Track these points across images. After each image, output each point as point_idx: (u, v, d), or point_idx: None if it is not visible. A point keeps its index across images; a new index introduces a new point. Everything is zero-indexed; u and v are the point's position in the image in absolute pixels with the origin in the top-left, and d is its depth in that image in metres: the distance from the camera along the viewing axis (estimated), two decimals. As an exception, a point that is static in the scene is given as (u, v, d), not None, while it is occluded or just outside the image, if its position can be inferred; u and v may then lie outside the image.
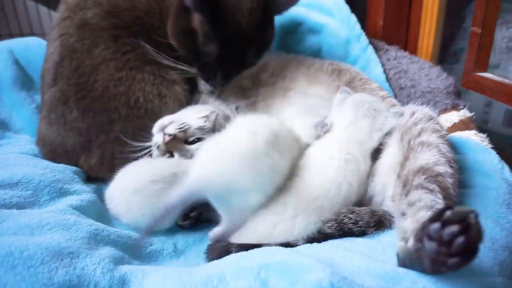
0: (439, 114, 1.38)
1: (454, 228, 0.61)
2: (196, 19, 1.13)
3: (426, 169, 0.84)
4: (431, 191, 0.80)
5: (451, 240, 0.61)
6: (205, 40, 1.14)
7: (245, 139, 0.88)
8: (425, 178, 0.82)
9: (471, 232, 0.61)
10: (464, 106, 1.37)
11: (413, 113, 1.02)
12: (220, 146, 0.88)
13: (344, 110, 1.09)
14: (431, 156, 0.86)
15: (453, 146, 1.01)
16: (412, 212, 0.78)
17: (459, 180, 0.90)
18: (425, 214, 0.75)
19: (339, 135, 1.05)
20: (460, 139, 1.19)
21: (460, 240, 0.60)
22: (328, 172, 0.97)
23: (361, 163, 1.00)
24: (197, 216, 1.03)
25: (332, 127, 1.08)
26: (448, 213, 0.63)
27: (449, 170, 0.85)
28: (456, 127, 1.30)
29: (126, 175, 1.10)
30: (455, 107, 1.38)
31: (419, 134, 0.93)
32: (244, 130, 0.92)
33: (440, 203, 0.78)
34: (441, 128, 0.98)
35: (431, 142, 0.90)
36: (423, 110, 1.03)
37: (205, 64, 1.20)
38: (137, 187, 1.04)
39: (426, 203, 0.78)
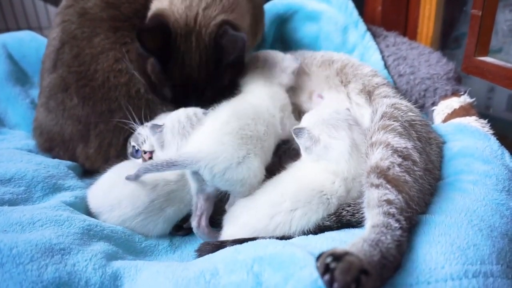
0: (439, 101, 1.36)
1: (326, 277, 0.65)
2: (150, 65, 1.17)
3: (375, 167, 0.86)
4: (378, 186, 0.82)
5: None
6: (158, 83, 1.19)
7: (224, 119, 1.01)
8: (374, 176, 0.84)
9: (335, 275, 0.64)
10: (465, 92, 1.34)
11: (375, 115, 1.03)
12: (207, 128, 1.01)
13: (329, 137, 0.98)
14: (377, 154, 0.88)
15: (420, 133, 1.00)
16: (369, 214, 0.80)
17: (417, 162, 0.89)
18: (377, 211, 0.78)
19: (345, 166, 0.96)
20: (459, 125, 1.17)
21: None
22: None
23: None
24: (190, 227, 1.04)
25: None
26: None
27: (398, 160, 0.86)
28: (456, 113, 1.27)
29: (110, 174, 1.09)
30: (455, 93, 1.35)
31: (371, 137, 0.95)
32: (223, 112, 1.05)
33: (389, 194, 0.80)
34: (396, 120, 0.96)
35: (379, 141, 0.92)
36: (381, 109, 1.03)
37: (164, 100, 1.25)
38: (123, 184, 1.02)
39: (375, 200, 0.81)
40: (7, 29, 2.80)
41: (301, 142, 1.00)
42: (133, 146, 1.17)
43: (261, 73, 1.24)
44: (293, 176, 0.99)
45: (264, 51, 1.35)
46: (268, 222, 0.92)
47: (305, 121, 1.05)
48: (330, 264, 0.65)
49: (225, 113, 1.04)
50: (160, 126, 1.07)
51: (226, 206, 1.01)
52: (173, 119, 1.07)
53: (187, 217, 1.06)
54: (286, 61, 1.26)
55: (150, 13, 1.23)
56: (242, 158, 0.96)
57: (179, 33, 1.14)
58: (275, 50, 1.35)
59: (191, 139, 1.02)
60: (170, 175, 1.02)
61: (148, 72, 1.18)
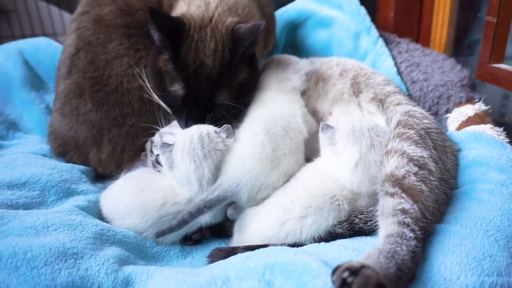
0: (453, 108, 1.34)
1: None
2: (162, 59, 1.13)
3: (390, 176, 0.85)
4: (393, 194, 0.82)
5: None
6: (170, 79, 1.12)
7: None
8: (389, 184, 0.84)
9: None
10: (480, 99, 1.32)
11: (390, 123, 1.03)
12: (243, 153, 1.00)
13: (342, 146, 0.98)
14: (392, 162, 0.88)
15: (436, 141, 1.00)
16: (384, 223, 0.79)
17: (433, 171, 0.89)
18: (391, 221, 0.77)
19: (347, 179, 0.97)
20: (474, 133, 1.15)
21: None
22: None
23: None
24: (198, 238, 1.06)
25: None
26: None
27: (414, 169, 0.85)
28: (471, 121, 1.25)
29: (122, 182, 1.10)
30: (470, 101, 1.33)
31: (386, 145, 0.94)
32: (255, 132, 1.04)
33: (404, 203, 0.79)
34: (412, 128, 0.96)
35: (394, 149, 0.91)
36: (395, 117, 1.02)
37: (175, 107, 1.16)
38: (134, 194, 1.03)
39: (390, 209, 0.80)
40: (23, 36, 2.86)
41: (322, 137, 1.03)
42: (157, 155, 1.13)
43: (275, 76, 1.23)
44: (302, 181, 1.00)
45: (277, 55, 1.35)
46: (279, 229, 0.91)
47: (340, 123, 1.05)
48: (347, 279, 0.64)
49: (259, 135, 1.02)
50: (170, 145, 1.03)
51: (228, 213, 1.02)
52: (185, 139, 1.01)
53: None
54: (300, 63, 1.26)
55: None
56: (276, 181, 0.99)
57: (194, 25, 1.12)
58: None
59: (227, 165, 1.00)
60: (179, 196, 1.01)
61: (160, 68, 1.13)
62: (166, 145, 1.03)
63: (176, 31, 1.10)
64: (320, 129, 1.04)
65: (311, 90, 1.28)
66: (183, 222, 0.92)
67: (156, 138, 1.17)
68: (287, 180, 1.02)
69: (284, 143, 1.02)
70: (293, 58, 1.29)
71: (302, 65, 1.25)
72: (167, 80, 1.12)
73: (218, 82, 1.11)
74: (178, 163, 0.99)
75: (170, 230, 0.93)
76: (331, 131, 1.02)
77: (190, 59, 1.10)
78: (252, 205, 0.99)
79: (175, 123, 1.22)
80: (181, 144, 1.00)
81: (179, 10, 1.23)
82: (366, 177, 0.94)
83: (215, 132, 1.03)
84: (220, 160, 1.00)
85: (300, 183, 0.99)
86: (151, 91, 1.20)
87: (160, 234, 0.93)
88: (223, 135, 1.03)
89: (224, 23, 1.14)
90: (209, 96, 1.11)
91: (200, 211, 0.93)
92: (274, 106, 1.13)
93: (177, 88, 1.11)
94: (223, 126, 1.04)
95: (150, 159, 1.16)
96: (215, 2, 1.18)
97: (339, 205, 0.93)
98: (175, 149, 1.01)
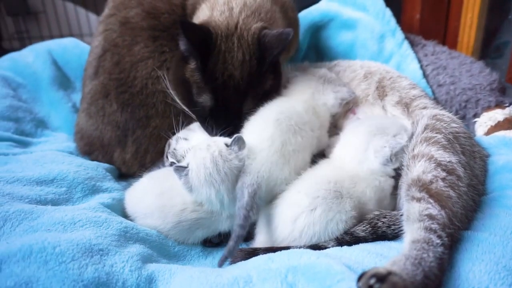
0: (481, 112, 1.31)
1: None
2: (189, 69, 1.13)
3: (417, 180, 0.84)
4: (420, 199, 0.81)
5: None
6: (197, 90, 1.12)
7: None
8: (416, 189, 0.83)
9: None
10: (510, 104, 1.28)
11: (417, 126, 1.01)
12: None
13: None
14: (419, 167, 0.87)
15: (464, 146, 0.98)
16: (409, 228, 0.79)
17: (462, 177, 0.87)
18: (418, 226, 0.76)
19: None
20: (504, 138, 1.12)
21: None
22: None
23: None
24: (218, 242, 1.06)
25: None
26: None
27: (442, 174, 0.84)
28: (501, 125, 1.22)
29: (146, 181, 1.10)
30: (499, 105, 1.29)
31: (413, 149, 0.93)
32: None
33: (431, 209, 0.78)
34: (440, 133, 0.94)
35: (421, 153, 0.90)
36: (422, 120, 1.00)
37: (202, 117, 1.16)
38: (155, 195, 1.03)
39: (416, 214, 0.79)
40: (51, 36, 2.95)
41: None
42: (172, 163, 1.14)
43: (314, 84, 1.20)
44: (308, 173, 1.01)
45: (324, 70, 1.31)
46: (292, 227, 0.91)
47: (363, 118, 1.09)
48: (374, 286, 0.63)
49: (269, 127, 1.02)
50: (184, 168, 0.97)
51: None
52: (198, 164, 0.95)
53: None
54: (341, 87, 1.22)
55: None
56: (288, 176, 0.99)
57: (220, 34, 1.12)
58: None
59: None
60: (198, 205, 1.00)
61: (186, 78, 1.14)
62: (181, 169, 0.98)
63: (204, 41, 1.10)
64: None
65: None
66: (239, 238, 0.89)
67: (172, 143, 1.18)
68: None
69: (296, 139, 1.02)
70: (338, 80, 1.27)
71: (343, 89, 1.21)
72: (195, 91, 1.13)
73: (246, 92, 1.11)
74: (197, 188, 0.96)
75: (230, 252, 0.89)
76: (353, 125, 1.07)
77: (218, 71, 1.10)
78: (269, 200, 0.98)
79: (191, 126, 1.23)
80: (195, 169, 0.95)
81: (201, 14, 1.23)
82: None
83: (226, 145, 0.97)
84: (238, 175, 0.96)
85: (305, 175, 1.00)
86: (174, 96, 1.21)
87: (222, 260, 0.89)
88: (235, 148, 0.97)
89: (249, 31, 1.13)
90: (237, 106, 1.12)
91: (246, 218, 0.90)
92: (295, 103, 1.11)
93: (205, 99, 1.11)
94: (233, 137, 0.98)
95: (166, 164, 1.18)
96: (238, 7, 1.18)
97: (340, 192, 0.93)
98: (190, 174, 0.96)
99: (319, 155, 1.12)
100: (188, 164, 0.97)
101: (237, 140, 0.97)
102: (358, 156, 0.99)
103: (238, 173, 0.95)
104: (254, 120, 1.07)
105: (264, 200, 0.98)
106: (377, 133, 1.00)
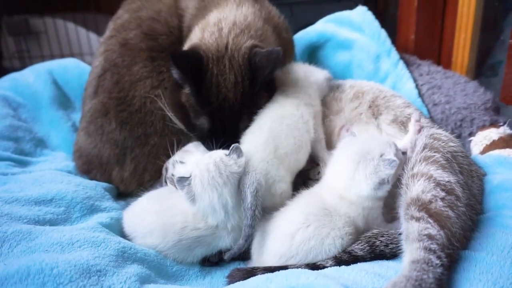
0: (477, 131, 1.32)
1: None
2: (184, 94, 1.16)
3: (416, 200, 0.85)
4: (419, 219, 0.81)
5: None
6: (194, 113, 1.15)
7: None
8: (415, 208, 0.83)
9: None
10: (504, 123, 1.30)
11: (415, 146, 1.02)
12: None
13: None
14: (418, 186, 0.87)
15: (461, 166, 0.99)
16: (408, 248, 0.79)
17: (460, 197, 0.88)
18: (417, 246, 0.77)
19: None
20: (499, 157, 1.13)
21: None
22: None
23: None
24: (216, 261, 1.06)
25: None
26: None
27: (441, 194, 0.84)
28: (495, 145, 1.23)
29: (145, 201, 1.11)
30: (494, 124, 1.31)
31: (412, 168, 0.93)
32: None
33: (431, 229, 0.78)
34: (438, 152, 0.95)
35: (421, 172, 0.91)
36: (421, 139, 1.01)
37: (201, 137, 1.19)
38: (155, 214, 1.04)
39: (415, 233, 0.80)
40: (52, 55, 2.99)
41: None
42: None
43: (295, 82, 1.24)
44: (303, 194, 1.03)
45: (294, 64, 1.36)
46: (290, 243, 0.92)
47: (360, 136, 1.09)
48: None
49: (263, 134, 1.07)
50: (187, 178, 1.00)
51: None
52: (201, 169, 0.98)
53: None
54: (318, 70, 1.30)
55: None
56: (285, 176, 1.04)
57: (211, 57, 1.14)
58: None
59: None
60: (199, 222, 1.00)
61: (183, 103, 1.16)
62: (183, 179, 1.00)
63: (196, 67, 1.12)
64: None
65: (328, 103, 1.30)
66: (249, 237, 0.94)
67: (170, 168, 1.18)
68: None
69: (288, 142, 1.07)
70: (310, 67, 1.34)
71: (320, 72, 1.30)
72: (192, 115, 1.16)
73: (241, 112, 1.14)
74: (200, 195, 0.97)
75: (239, 249, 0.95)
76: (349, 137, 1.06)
77: (213, 95, 1.12)
78: (269, 205, 1.01)
79: (187, 147, 1.24)
80: (199, 175, 0.98)
81: (194, 36, 1.26)
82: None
83: (226, 155, 1.00)
84: (238, 182, 0.99)
85: (299, 196, 1.02)
86: (171, 116, 1.23)
87: (230, 255, 0.95)
88: (234, 156, 1.00)
89: (240, 51, 1.15)
90: (233, 125, 1.14)
91: (253, 217, 0.94)
92: (286, 104, 1.15)
93: (203, 122, 1.15)
94: (231, 147, 1.01)
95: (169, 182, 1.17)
96: (227, 27, 1.20)
97: (329, 210, 0.95)
98: (193, 182, 0.98)
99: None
100: (190, 174, 1.01)
101: (235, 149, 1.01)
102: (346, 183, 0.97)
103: (239, 177, 0.99)
104: (249, 131, 1.12)
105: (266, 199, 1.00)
106: (361, 160, 0.95)
